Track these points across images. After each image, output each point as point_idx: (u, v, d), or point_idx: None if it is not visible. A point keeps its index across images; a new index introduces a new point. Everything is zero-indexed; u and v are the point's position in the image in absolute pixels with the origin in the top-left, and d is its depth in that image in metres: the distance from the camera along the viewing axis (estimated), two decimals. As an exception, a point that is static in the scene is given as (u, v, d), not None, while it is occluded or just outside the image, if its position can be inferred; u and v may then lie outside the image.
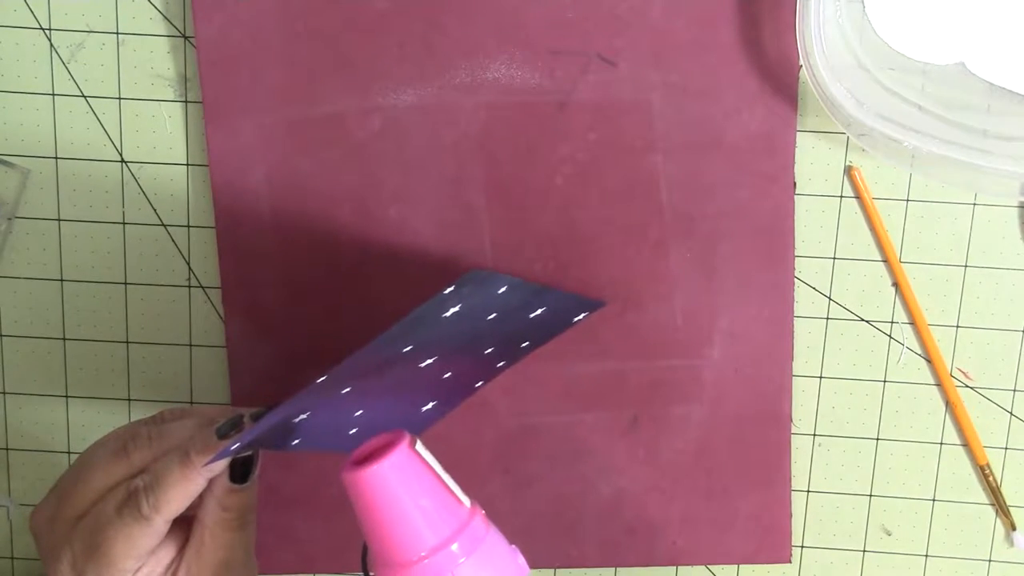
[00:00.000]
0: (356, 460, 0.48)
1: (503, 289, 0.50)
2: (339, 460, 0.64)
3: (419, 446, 0.49)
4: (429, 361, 0.52)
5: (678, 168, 0.60)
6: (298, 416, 0.49)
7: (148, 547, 0.50)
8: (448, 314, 0.48)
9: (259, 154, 0.61)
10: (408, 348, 0.49)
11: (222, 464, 0.50)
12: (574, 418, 0.63)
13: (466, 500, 0.49)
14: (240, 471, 0.51)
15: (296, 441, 0.52)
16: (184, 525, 0.52)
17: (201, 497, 0.51)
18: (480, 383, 0.62)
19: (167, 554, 0.52)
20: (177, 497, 0.50)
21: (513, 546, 0.50)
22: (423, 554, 0.47)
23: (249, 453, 0.51)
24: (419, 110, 0.60)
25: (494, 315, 0.52)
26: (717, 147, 0.60)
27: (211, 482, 0.51)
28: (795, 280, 0.62)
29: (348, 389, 0.50)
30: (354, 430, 0.55)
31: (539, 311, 0.57)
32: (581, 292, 0.61)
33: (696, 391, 0.63)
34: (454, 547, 0.47)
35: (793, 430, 0.64)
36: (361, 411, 0.53)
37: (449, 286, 0.46)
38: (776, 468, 0.64)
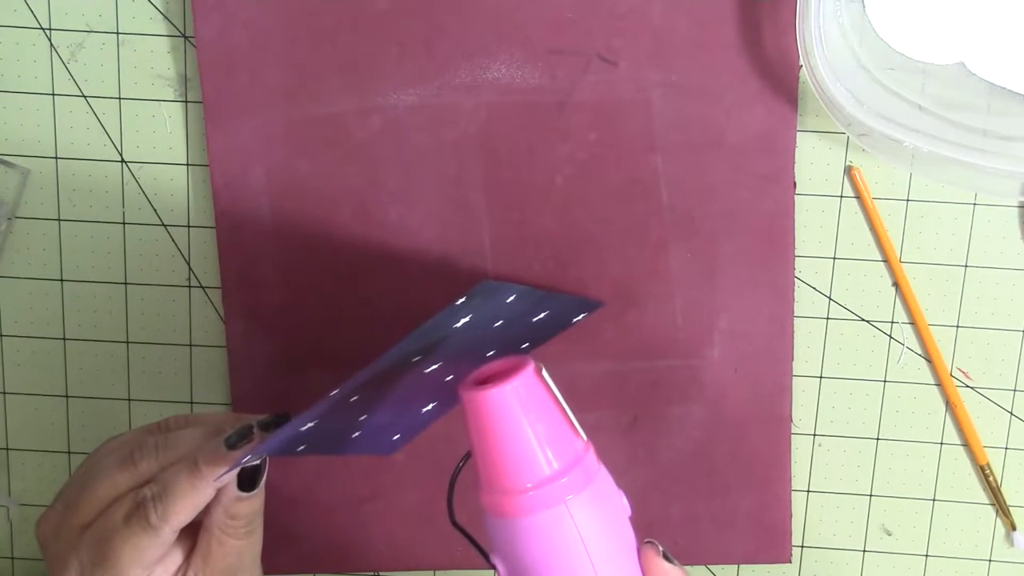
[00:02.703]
0: (478, 380, 0.47)
1: (512, 298, 0.50)
2: (340, 461, 0.64)
3: (544, 373, 0.47)
4: (434, 367, 0.52)
5: (678, 168, 0.60)
6: (305, 425, 0.49)
7: (155, 556, 0.50)
8: (458, 325, 0.48)
9: (259, 154, 0.61)
10: (417, 358, 0.49)
11: (231, 475, 0.50)
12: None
13: (583, 434, 0.48)
14: (248, 479, 0.51)
15: (301, 447, 0.52)
16: (190, 532, 0.52)
17: (208, 504, 0.51)
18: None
19: (173, 562, 0.52)
20: (185, 508, 0.49)
21: (619, 489, 0.49)
22: (533, 484, 0.45)
23: (257, 462, 0.51)
24: (419, 110, 0.60)
25: (500, 322, 0.52)
26: (717, 147, 0.60)
27: (218, 490, 0.51)
28: (795, 280, 0.62)
29: (356, 398, 0.50)
30: (357, 434, 0.55)
31: (542, 315, 0.57)
32: (581, 292, 0.61)
33: (696, 391, 0.63)
34: (564, 480, 0.46)
35: (793, 430, 0.64)
36: (365, 416, 0.53)
37: (460, 298, 0.46)
38: (776, 468, 0.64)
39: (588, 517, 0.46)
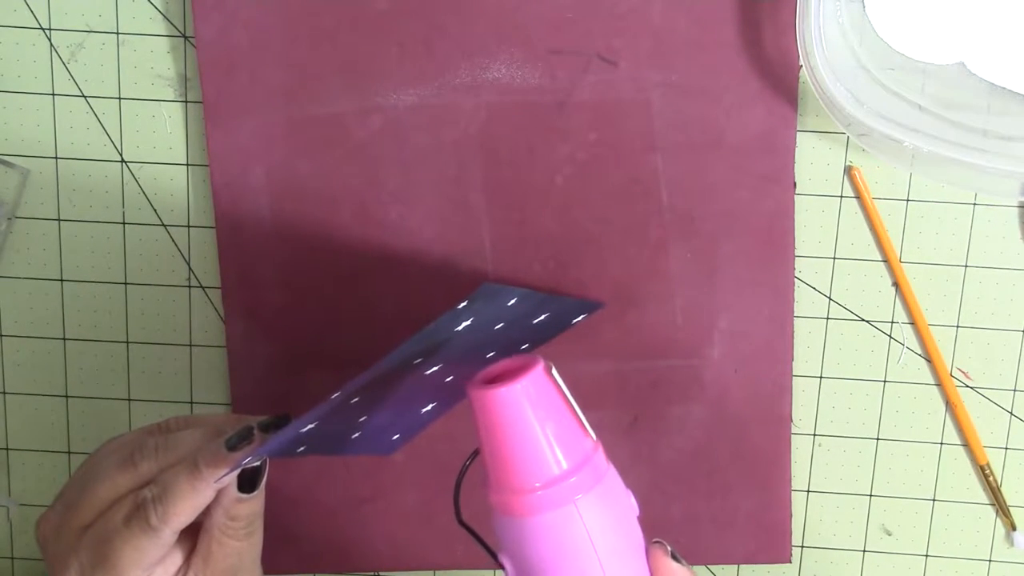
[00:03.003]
0: (487, 379, 0.47)
1: (513, 301, 0.51)
2: (340, 461, 0.64)
3: (554, 372, 0.47)
4: (434, 369, 0.52)
5: (678, 168, 0.60)
6: (306, 427, 0.49)
7: (156, 557, 0.50)
8: (460, 328, 0.48)
9: (259, 154, 0.61)
10: (418, 361, 0.49)
11: (231, 476, 0.50)
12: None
13: (592, 433, 0.48)
14: (248, 481, 0.51)
15: (301, 448, 0.52)
16: (190, 533, 0.52)
17: (208, 506, 0.51)
18: (480, 383, 0.62)
19: (173, 564, 0.52)
20: (186, 509, 0.49)
21: (627, 488, 0.49)
22: (542, 483, 0.46)
23: (257, 464, 0.51)
24: (419, 110, 0.60)
25: (501, 324, 0.52)
26: (717, 147, 0.60)
27: (218, 492, 0.51)
28: (795, 280, 0.62)
29: (357, 400, 0.50)
30: (357, 434, 0.55)
31: (542, 317, 0.57)
32: (581, 292, 0.61)
33: (696, 391, 0.63)
34: (574, 480, 0.46)
35: (793, 430, 0.64)
36: (365, 417, 0.53)
37: (462, 301, 0.46)
38: (776, 468, 0.64)
39: (597, 517, 0.46)
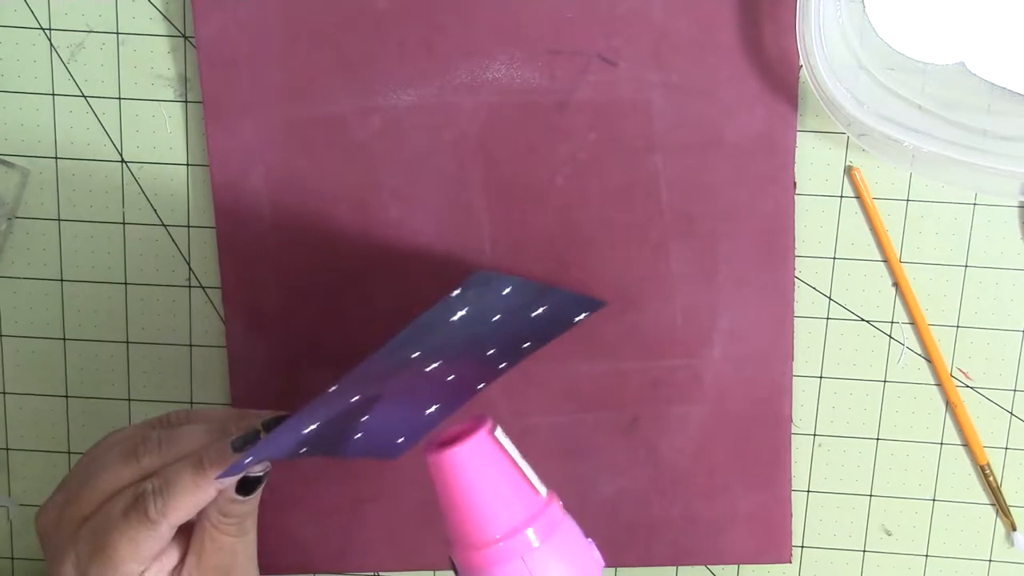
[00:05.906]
0: (441, 442, 0.49)
1: (508, 290, 0.51)
2: (340, 461, 0.64)
3: (499, 432, 0.50)
4: (434, 365, 0.52)
5: (678, 168, 0.60)
6: (307, 428, 0.49)
7: (153, 551, 0.50)
8: (455, 318, 0.48)
9: (259, 154, 0.61)
10: (416, 354, 0.50)
11: (234, 478, 0.50)
12: (574, 418, 0.63)
13: (543, 489, 0.50)
14: (248, 485, 0.51)
15: (304, 450, 0.52)
16: (190, 531, 0.53)
17: None
18: (482, 385, 0.62)
19: (170, 561, 0.52)
20: (186, 504, 0.50)
21: (590, 540, 0.51)
22: (498, 537, 0.48)
23: (261, 474, 0.51)
24: (419, 110, 0.60)
25: (498, 316, 0.52)
26: (717, 147, 0.60)
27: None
28: (795, 280, 0.62)
29: (357, 397, 0.50)
30: (359, 435, 0.55)
31: (540, 310, 0.57)
32: (581, 292, 0.61)
33: (696, 391, 0.63)
34: (529, 532, 0.48)
35: (793, 430, 0.64)
36: (367, 417, 0.53)
37: (455, 289, 0.46)
38: (776, 468, 0.64)
39: (549, 571, 0.48)
